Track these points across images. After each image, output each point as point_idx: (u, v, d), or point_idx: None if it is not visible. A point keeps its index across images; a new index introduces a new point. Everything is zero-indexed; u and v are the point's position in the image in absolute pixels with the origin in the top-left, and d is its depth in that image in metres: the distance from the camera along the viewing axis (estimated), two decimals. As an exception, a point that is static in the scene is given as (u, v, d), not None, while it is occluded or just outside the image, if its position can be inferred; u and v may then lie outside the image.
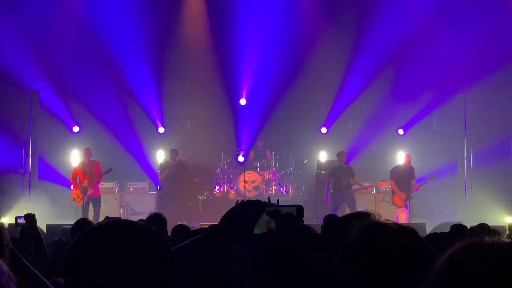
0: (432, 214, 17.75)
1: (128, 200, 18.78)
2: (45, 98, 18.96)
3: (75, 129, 19.89)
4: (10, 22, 17.63)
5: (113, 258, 1.74)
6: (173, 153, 18.45)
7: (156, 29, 20.12)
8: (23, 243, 6.55)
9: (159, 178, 18.69)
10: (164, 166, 18.65)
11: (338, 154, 17.51)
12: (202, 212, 18.15)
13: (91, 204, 16.69)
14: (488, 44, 18.60)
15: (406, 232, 1.99)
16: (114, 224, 1.83)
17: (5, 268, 1.23)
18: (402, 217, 16.88)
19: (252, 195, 18.37)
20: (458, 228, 7.31)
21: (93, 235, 1.81)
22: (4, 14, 17.50)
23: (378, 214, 2.83)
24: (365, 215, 2.75)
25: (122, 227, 1.82)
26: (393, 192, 17.11)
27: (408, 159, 17.20)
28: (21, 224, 6.83)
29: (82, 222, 7.64)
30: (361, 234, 1.98)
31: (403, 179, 17.06)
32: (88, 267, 1.76)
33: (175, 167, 18.34)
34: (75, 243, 1.81)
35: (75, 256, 1.79)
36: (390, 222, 2.04)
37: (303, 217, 2.97)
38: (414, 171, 17.29)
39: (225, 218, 2.53)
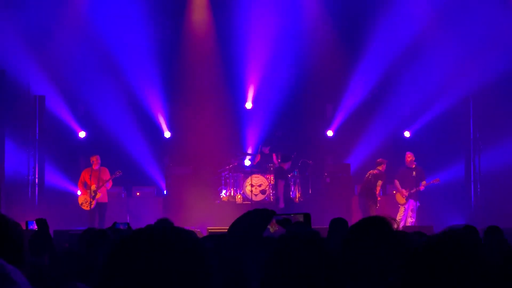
0: (439, 217, 17.72)
1: (135, 205, 18.76)
2: (51, 104, 18.99)
3: (82, 134, 19.91)
4: (16, 28, 17.68)
5: (150, 266, 1.74)
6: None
7: (161, 34, 20.16)
8: (34, 249, 6.55)
9: None
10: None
11: (383, 162, 17.60)
12: (208, 216, 18.11)
13: (97, 210, 16.73)
14: (494, 44, 18.57)
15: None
16: (156, 230, 1.84)
17: (23, 277, 1.24)
18: (400, 213, 17.09)
19: (259, 199, 18.35)
20: (470, 230, 7.31)
21: (132, 241, 1.82)
22: (11, 20, 17.55)
23: (394, 219, 2.84)
24: (382, 221, 2.75)
25: (164, 233, 1.82)
26: (396, 191, 17.45)
27: (409, 157, 17.45)
28: (32, 230, 6.83)
29: (164, 223, 7.65)
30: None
31: (407, 178, 17.32)
32: (124, 272, 1.76)
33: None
34: (115, 248, 1.81)
35: (114, 261, 1.80)
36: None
37: (310, 223, 2.97)
38: (423, 173, 17.41)
39: (233, 225, 2.54)
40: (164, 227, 1.88)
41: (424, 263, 1.98)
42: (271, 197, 18.61)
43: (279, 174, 17.13)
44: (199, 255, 1.82)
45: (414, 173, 17.36)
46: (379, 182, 17.31)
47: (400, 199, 17.41)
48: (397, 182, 17.54)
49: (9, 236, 2.24)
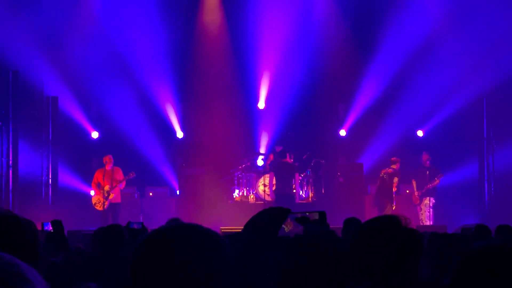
0: (453, 216, 17.67)
1: (148, 206, 18.79)
2: (64, 105, 19.05)
3: (94, 135, 19.96)
4: (29, 29, 17.74)
5: (175, 262, 1.75)
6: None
7: (174, 34, 20.17)
8: (48, 249, 6.57)
9: None
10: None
11: (397, 161, 17.64)
12: (221, 216, 18.12)
13: (110, 210, 16.78)
14: (508, 43, 18.47)
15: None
16: (179, 227, 1.86)
17: (39, 275, 1.25)
18: (418, 213, 17.13)
19: (271, 198, 18.34)
20: (482, 229, 7.29)
21: (159, 238, 1.83)
22: (24, 21, 17.61)
23: (406, 217, 2.82)
24: (392, 219, 2.74)
25: (186, 230, 1.85)
26: (412, 191, 17.58)
27: (424, 157, 17.64)
28: (47, 231, 6.84)
29: (173, 219, 7.69)
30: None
31: (421, 177, 17.41)
32: (152, 269, 1.77)
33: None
34: (141, 244, 1.83)
35: (141, 257, 1.81)
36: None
37: (326, 221, 2.96)
38: (438, 172, 17.47)
39: (248, 224, 2.54)
40: (189, 224, 1.90)
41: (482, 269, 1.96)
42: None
43: (294, 169, 17.16)
44: (224, 252, 1.82)
45: (427, 172, 17.43)
46: (395, 179, 17.36)
47: (415, 199, 17.57)
48: (414, 182, 17.68)
49: (24, 235, 2.25)
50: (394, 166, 17.52)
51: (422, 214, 17.38)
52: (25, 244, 2.25)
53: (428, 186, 17.35)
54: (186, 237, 1.82)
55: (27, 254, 2.20)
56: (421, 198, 17.46)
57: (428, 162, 17.67)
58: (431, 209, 17.33)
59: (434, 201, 17.48)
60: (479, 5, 18.51)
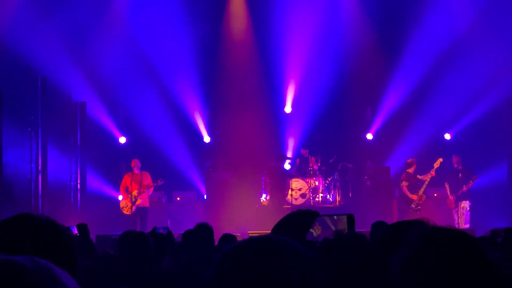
0: (481, 220, 17.50)
1: (176, 210, 18.85)
2: (92, 110, 19.20)
3: (122, 140, 20.08)
4: (57, 35, 17.90)
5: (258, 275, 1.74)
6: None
7: (200, 39, 20.27)
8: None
9: None
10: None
11: (413, 163, 17.44)
12: (249, 220, 18.13)
13: (138, 215, 16.86)
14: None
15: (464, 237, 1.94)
16: (261, 241, 1.83)
17: (73, 280, 1.26)
18: (457, 219, 16.93)
19: (298, 203, 18.33)
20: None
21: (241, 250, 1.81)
22: (51, 27, 17.77)
23: (431, 221, 2.79)
24: (418, 223, 2.71)
25: (269, 244, 1.82)
26: (447, 195, 17.33)
27: (454, 160, 17.38)
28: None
29: (203, 227, 7.69)
30: (423, 240, 1.92)
31: (454, 180, 17.16)
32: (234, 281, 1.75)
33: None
34: (224, 256, 1.81)
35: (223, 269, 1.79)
36: (450, 227, 2.00)
37: (354, 225, 2.95)
38: (470, 174, 17.23)
39: (277, 227, 2.54)
40: (269, 237, 1.85)
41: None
42: (311, 201, 18.59)
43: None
44: (306, 265, 1.80)
45: (460, 175, 17.22)
46: (403, 183, 17.11)
47: (450, 203, 17.29)
48: (447, 186, 17.39)
49: (62, 242, 2.25)
50: (409, 170, 17.31)
51: (460, 217, 17.11)
52: (63, 251, 2.25)
53: (463, 189, 17.11)
54: (271, 249, 1.78)
55: (65, 261, 2.21)
56: (457, 201, 17.21)
57: (459, 164, 17.40)
58: (468, 213, 17.10)
59: (470, 203, 17.23)
60: (507, 5, 18.36)
